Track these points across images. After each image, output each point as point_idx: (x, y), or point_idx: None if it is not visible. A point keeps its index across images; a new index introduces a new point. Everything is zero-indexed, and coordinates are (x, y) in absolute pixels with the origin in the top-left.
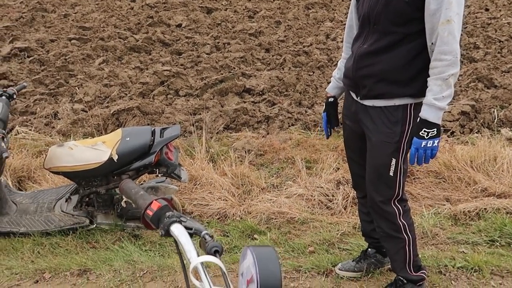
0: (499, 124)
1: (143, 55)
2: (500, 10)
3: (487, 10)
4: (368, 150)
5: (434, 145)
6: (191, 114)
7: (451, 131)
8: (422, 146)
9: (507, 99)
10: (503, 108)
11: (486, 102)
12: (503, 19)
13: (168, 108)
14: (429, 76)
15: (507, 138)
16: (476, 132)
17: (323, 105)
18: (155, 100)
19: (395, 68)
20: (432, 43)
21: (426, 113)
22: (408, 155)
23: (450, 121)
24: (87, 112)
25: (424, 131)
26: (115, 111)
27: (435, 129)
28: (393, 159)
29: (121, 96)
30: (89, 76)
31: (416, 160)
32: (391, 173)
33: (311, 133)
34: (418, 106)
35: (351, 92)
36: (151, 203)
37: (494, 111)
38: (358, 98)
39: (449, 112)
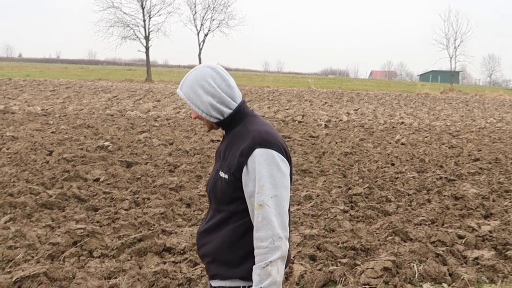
0: (420, 279)
1: (55, 212)
2: (404, 165)
3: (393, 165)
4: None
5: None
6: (105, 279)
7: None
8: None
9: (424, 253)
10: (421, 262)
11: (405, 256)
12: (408, 173)
13: (80, 272)
14: None
15: None
16: None
17: None
18: (66, 263)
19: (223, 247)
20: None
21: None
22: None
23: (375, 278)
24: None
25: None
26: (18, 278)
27: None
28: None
29: (27, 260)
30: None
31: None
32: None
33: None
34: None
35: None
36: None
37: (414, 266)
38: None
39: (372, 268)
